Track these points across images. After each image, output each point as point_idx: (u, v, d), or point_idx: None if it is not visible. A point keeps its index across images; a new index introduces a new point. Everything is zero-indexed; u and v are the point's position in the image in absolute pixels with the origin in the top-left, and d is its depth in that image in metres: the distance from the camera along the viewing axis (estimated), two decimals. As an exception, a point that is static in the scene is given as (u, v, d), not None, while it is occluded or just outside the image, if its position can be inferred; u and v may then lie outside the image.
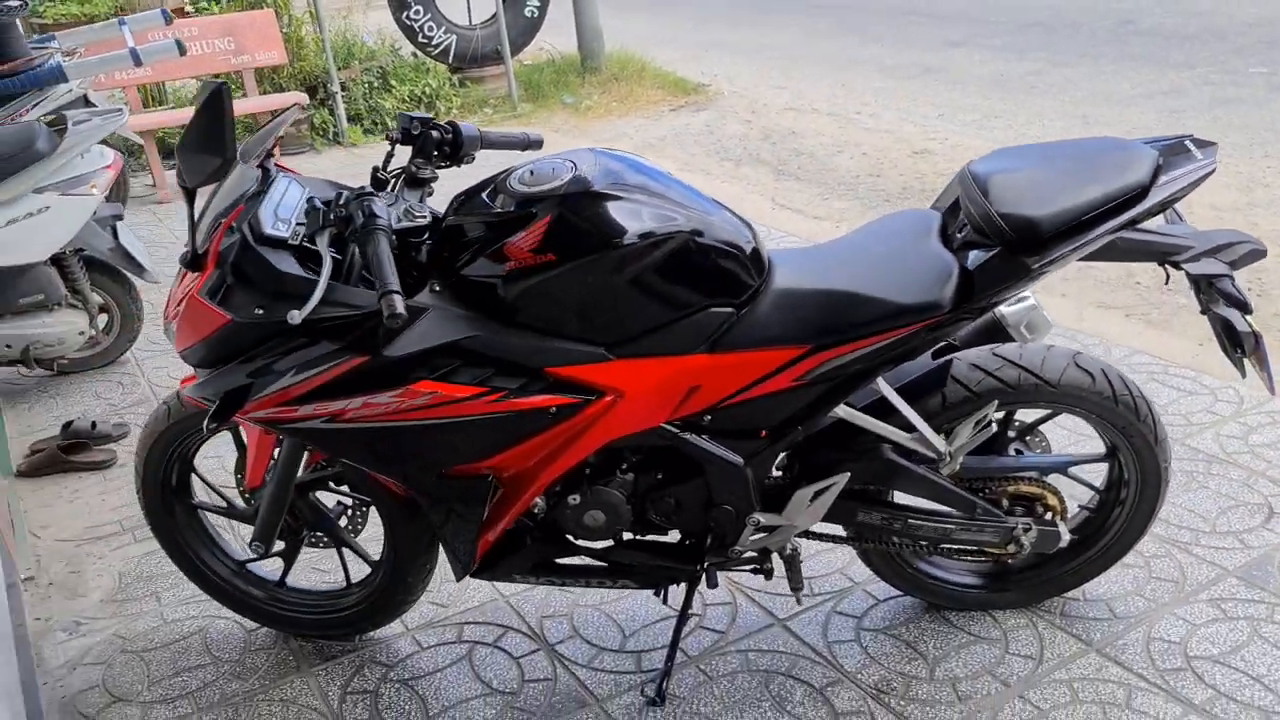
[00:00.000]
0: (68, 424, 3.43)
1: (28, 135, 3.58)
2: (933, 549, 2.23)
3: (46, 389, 3.95)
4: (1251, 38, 7.97)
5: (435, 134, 2.01)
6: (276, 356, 1.86)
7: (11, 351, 3.72)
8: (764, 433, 2.03)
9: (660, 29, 10.78)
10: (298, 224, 1.87)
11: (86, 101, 5.38)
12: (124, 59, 4.32)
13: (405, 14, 8.12)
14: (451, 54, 8.29)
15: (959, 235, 1.97)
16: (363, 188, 1.82)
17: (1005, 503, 2.19)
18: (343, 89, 7.44)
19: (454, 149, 2.04)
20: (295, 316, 1.70)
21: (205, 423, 1.90)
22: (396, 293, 1.62)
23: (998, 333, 2.14)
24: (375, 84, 7.71)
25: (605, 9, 8.81)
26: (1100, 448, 2.27)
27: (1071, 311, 3.84)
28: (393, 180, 2.00)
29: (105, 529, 2.99)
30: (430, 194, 2.03)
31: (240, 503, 2.38)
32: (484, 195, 1.91)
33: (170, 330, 1.98)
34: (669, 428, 1.99)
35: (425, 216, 1.93)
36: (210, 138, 1.66)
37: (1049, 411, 2.20)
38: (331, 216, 1.76)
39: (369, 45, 8.14)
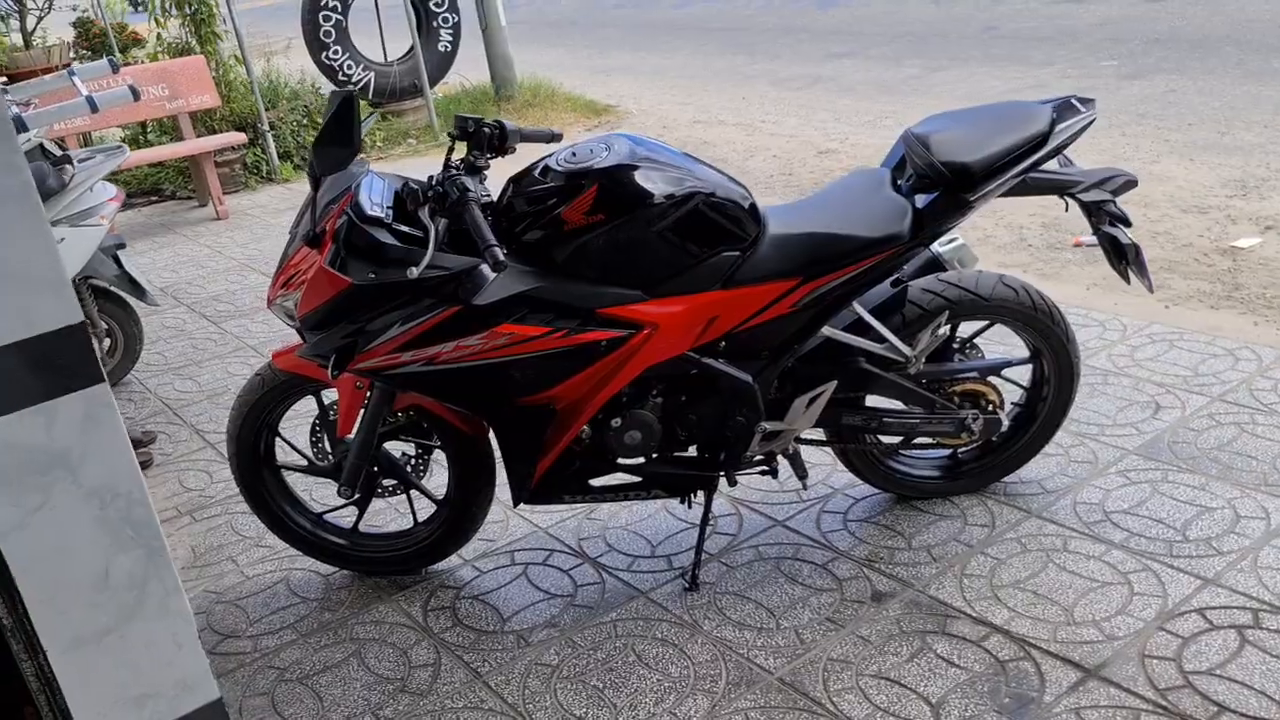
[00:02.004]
0: (102, 433, 3.73)
1: (39, 173, 3.90)
2: (906, 443, 2.76)
3: (60, 410, 4.23)
4: (1098, 36, 8.89)
5: (486, 130, 2.46)
6: (377, 316, 2.30)
7: (31, 375, 4.00)
8: (766, 353, 2.54)
9: (559, 58, 11.34)
10: (388, 207, 2.32)
11: (43, 150, 5.64)
12: (80, 106, 4.61)
13: (324, 54, 8.48)
14: (371, 90, 8.68)
15: (907, 184, 2.52)
16: (450, 172, 2.27)
17: (956, 400, 2.74)
18: (271, 129, 7.76)
19: (500, 141, 2.50)
20: (414, 271, 2.15)
21: (330, 372, 2.32)
22: (497, 245, 2.08)
23: (935, 268, 2.69)
24: (302, 122, 8.04)
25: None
26: (1024, 354, 2.83)
27: (977, 271, 4.47)
28: (459, 168, 2.44)
29: (164, 515, 3.34)
30: (485, 179, 2.49)
31: (316, 462, 2.78)
32: (535, 174, 2.38)
33: (283, 305, 2.39)
34: (692, 354, 2.47)
35: (488, 195, 2.40)
36: (341, 134, 2.10)
37: (984, 325, 2.76)
38: (430, 194, 2.20)
39: (292, 86, 8.47)
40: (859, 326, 2.59)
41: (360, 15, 8.69)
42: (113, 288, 4.23)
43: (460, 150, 2.47)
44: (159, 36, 7.95)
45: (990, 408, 2.74)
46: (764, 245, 2.44)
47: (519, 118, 8.74)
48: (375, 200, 2.31)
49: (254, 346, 4.69)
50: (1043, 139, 2.42)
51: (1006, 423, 2.76)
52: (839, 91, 8.42)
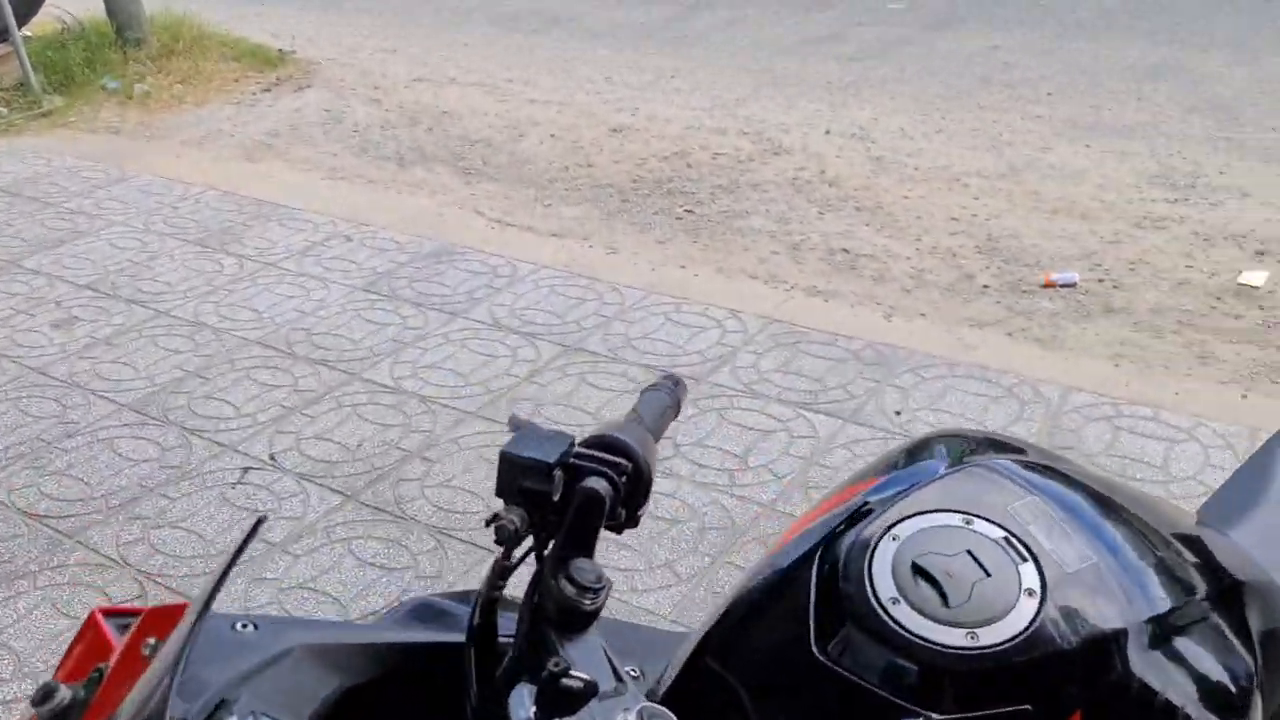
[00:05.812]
0: None
1: None
2: None
3: None
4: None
5: (605, 490, 0.78)
6: None
7: None
8: None
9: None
10: None
11: None
12: None
13: None
14: (-75, 35, 5.94)
15: None
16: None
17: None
18: None
19: (633, 504, 0.83)
20: None
21: None
22: None
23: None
24: None
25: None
26: None
27: None
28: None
29: None
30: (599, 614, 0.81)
31: None
32: (814, 653, 0.75)
33: None
34: None
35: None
36: None
37: None
38: None
39: None
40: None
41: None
42: None
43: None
44: None
45: None
46: None
47: (160, 71, 6.36)
48: None
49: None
50: None
51: None
52: (587, 37, 6.81)
